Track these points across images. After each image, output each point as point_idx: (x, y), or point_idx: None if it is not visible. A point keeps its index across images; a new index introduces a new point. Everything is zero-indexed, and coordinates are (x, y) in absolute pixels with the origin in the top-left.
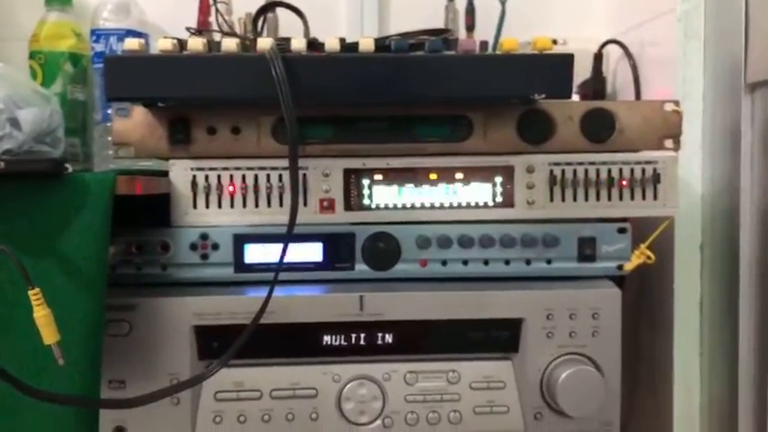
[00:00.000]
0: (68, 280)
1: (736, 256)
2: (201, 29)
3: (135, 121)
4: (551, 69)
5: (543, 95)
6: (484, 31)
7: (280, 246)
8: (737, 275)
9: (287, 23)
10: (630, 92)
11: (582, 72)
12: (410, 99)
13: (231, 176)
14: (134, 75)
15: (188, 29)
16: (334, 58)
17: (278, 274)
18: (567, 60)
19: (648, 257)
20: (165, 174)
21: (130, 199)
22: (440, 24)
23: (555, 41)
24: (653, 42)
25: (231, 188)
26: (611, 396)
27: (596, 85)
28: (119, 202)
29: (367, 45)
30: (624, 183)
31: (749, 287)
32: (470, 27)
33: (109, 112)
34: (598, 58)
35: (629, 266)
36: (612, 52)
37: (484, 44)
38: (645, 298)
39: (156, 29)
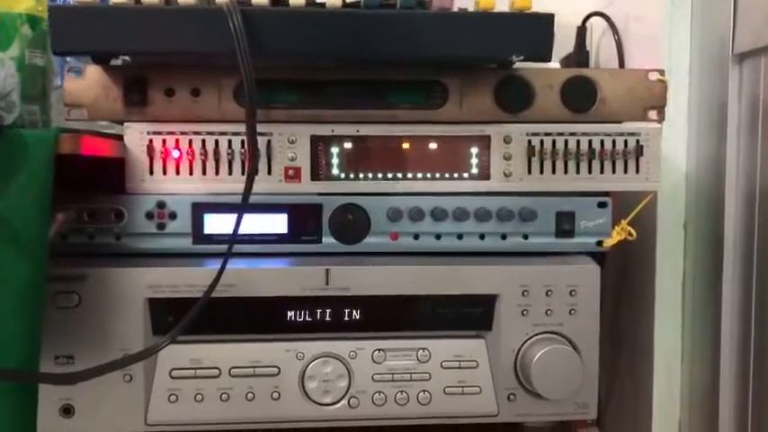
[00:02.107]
0: (4, 244)
1: (720, 236)
2: None
3: (88, 81)
4: (530, 29)
5: (521, 57)
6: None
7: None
8: (721, 255)
9: None
10: (614, 66)
11: (565, 45)
12: (379, 58)
13: (190, 141)
14: (81, 26)
15: None
16: (297, 13)
17: (232, 245)
18: (546, 20)
19: (630, 234)
20: (120, 138)
21: (83, 163)
22: None
23: None
24: (638, 15)
25: (190, 153)
26: (588, 377)
27: (579, 59)
28: (70, 166)
29: (334, 0)
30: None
31: (733, 267)
32: None
33: None
34: (581, 31)
35: (609, 242)
36: (596, 25)
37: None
38: (626, 276)
39: None
